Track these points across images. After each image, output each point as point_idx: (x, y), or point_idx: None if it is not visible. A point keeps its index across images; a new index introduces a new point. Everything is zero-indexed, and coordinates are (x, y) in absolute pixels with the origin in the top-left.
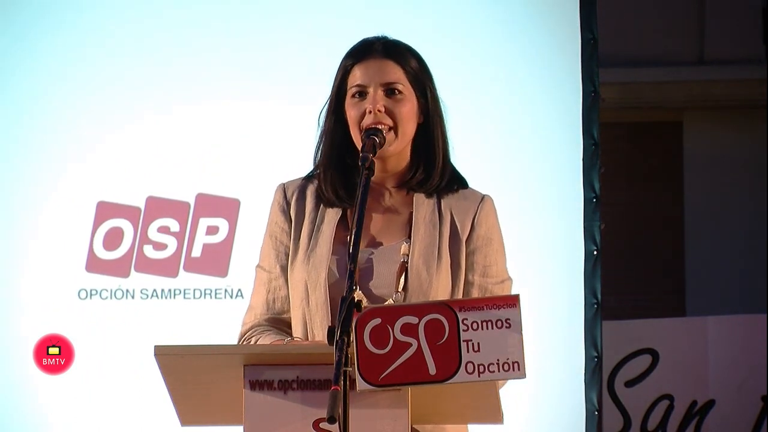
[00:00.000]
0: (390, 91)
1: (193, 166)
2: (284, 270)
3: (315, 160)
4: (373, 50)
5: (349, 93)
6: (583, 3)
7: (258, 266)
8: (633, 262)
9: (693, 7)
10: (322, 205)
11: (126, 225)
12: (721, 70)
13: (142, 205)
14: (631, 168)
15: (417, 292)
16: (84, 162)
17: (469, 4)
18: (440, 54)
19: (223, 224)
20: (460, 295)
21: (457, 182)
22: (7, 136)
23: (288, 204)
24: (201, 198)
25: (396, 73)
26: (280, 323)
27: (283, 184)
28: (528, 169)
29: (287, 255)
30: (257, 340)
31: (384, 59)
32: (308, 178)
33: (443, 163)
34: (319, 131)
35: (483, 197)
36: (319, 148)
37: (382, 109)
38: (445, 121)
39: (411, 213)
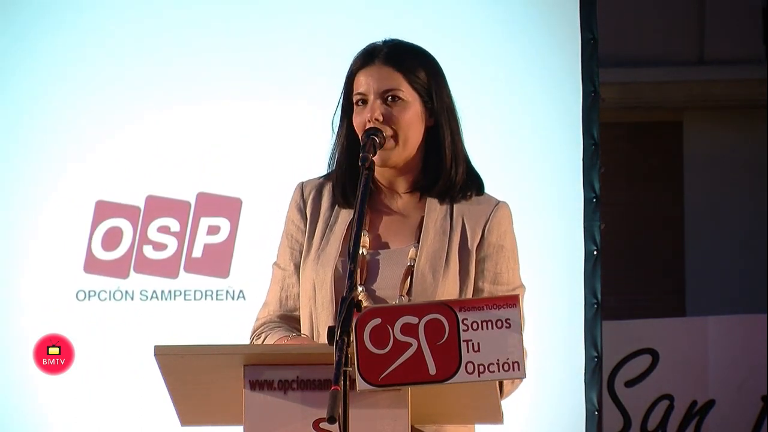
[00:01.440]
0: (390, 98)
1: (193, 164)
2: (298, 268)
3: (329, 163)
4: (375, 56)
5: (354, 100)
6: (583, 3)
7: (275, 263)
8: (633, 262)
9: (693, 7)
10: (337, 206)
11: (125, 225)
12: (721, 70)
13: (141, 205)
14: (631, 168)
15: (421, 297)
16: (83, 161)
17: (469, 4)
18: (440, 54)
19: (224, 224)
20: None
21: (474, 187)
22: (6, 135)
23: (305, 202)
24: (202, 197)
25: (395, 80)
26: (292, 320)
27: (302, 183)
28: (528, 169)
29: (301, 253)
30: (266, 336)
31: (384, 66)
32: (327, 177)
33: (454, 166)
34: (333, 135)
35: (497, 204)
36: (333, 151)
37: (380, 118)
38: (458, 122)
39: (422, 217)
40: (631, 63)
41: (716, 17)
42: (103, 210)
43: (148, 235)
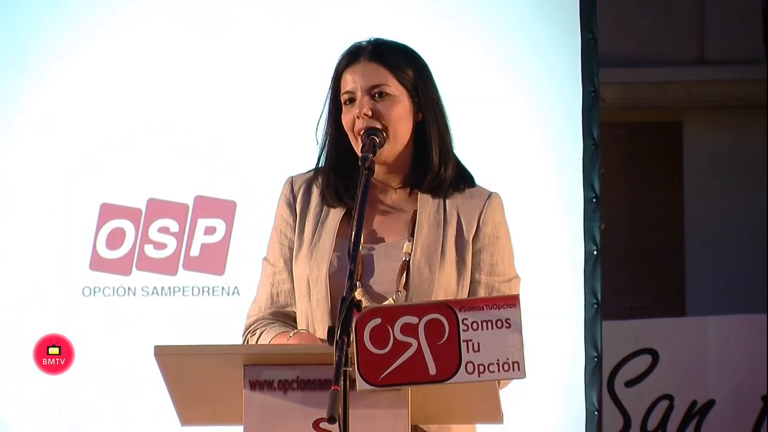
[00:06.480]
0: (378, 94)
1: (191, 170)
2: (288, 264)
3: (318, 164)
4: (360, 54)
5: (342, 100)
6: (583, 3)
7: (264, 259)
8: (633, 262)
9: (693, 7)
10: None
11: (128, 225)
12: (721, 70)
13: (143, 207)
14: (631, 168)
15: (418, 290)
16: (88, 165)
17: (469, 5)
18: (440, 54)
19: (220, 225)
20: (465, 294)
21: (464, 180)
22: (15, 141)
23: (294, 198)
24: (199, 200)
25: (381, 75)
26: (284, 317)
27: (291, 178)
28: (528, 169)
29: (291, 249)
30: (262, 333)
31: (369, 62)
32: (317, 172)
33: (441, 160)
34: (321, 136)
35: (490, 195)
36: (321, 152)
37: (369, 113)
38: (445, 118)
39: (415, 212)
40: (631, 63)
41: (716, 17)
42: (108, 212)
43: (149, 235)
